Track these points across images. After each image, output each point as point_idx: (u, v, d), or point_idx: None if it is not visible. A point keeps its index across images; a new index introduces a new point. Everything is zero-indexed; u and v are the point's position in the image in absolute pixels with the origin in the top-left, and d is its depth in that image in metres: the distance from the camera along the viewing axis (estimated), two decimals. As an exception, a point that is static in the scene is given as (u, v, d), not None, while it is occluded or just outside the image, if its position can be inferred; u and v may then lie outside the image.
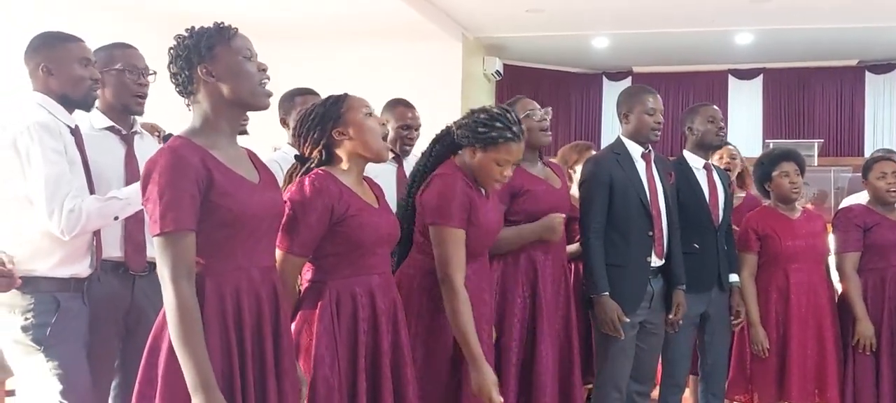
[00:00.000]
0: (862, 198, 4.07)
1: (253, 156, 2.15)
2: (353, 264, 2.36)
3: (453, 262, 2.59)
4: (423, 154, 2.85)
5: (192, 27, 2.02)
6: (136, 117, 2.91)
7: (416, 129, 3.74)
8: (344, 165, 2.41)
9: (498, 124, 2.67)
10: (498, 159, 2.67)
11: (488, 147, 2.67)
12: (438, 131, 2.83)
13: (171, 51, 2.01)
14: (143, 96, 2.84)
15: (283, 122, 3.51)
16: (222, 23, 2.04)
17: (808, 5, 9.25)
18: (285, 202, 2.25)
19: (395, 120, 3.67)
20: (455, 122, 2.77)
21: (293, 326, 2.29)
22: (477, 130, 2.68)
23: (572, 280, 3.50)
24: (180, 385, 1.85)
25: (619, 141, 3.51)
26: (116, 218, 2.60)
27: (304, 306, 2.35)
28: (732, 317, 3.75)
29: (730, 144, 4.52)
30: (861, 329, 3.67)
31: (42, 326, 2.51)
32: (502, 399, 2.58)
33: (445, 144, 2.78)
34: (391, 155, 3.63)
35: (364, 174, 2.52)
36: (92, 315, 2.65)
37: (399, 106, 3.73)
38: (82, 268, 2.62)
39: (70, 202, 2.47)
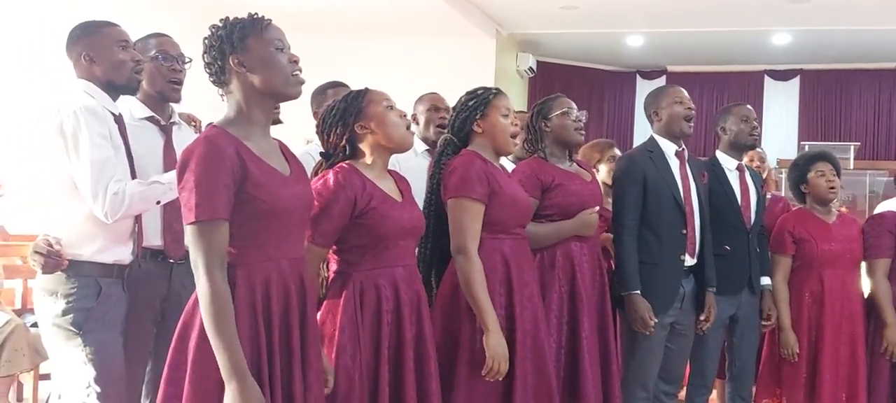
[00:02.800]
0: (893, 204, 4.02)
1: (284, 148, 2.19)
2: (376, 256, 2.39)
3: (469, 232, 2.67)
4: (435, 161, 2.92)
5: (227, 18, 2.05)
6: (174, 107, 2.95)
7: (447, 110, 3.73)
8: (367, 159, 2.46)
9: (478, 92, 2.88)
10: (500, 112, 2.84)
11: (487, 108, 2.83)
12: (439, 144, 2.96)
13: (205, 41, 2.04)
14: (179, 82, 2.88)
15: (317, 116, 3.53)
16: (256, 14, 2.06)
17: (848, 6, 9.11)
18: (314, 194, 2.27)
19: (424, 105, 3.74)
20: (448, 128, 2.95)
21: (318, 316, 2.32)
22: (469, 104, 2.86)
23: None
24: (209, 370, 1.89)
25: (652, 139, 3.50)
26: (158, 203, 2.64)
27: (329, 296, 2.40)
28: (763, 320, 3.71)
29: (758, 147, 4.46)
30: (890, 335, 3.64)
31: (83, 310, 2.55)
32: (506, 369, 2.64)
33: (452, 148, 2.87)
34: (424, 147, 3.65)
35: (395, 169, 2.56)
36: (130, 301, 2.69)
37: (425, 95, 3.82)
38: (125, 255, 2.67)
39: (114, 185, 2.52)
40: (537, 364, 2.76)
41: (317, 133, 2.57)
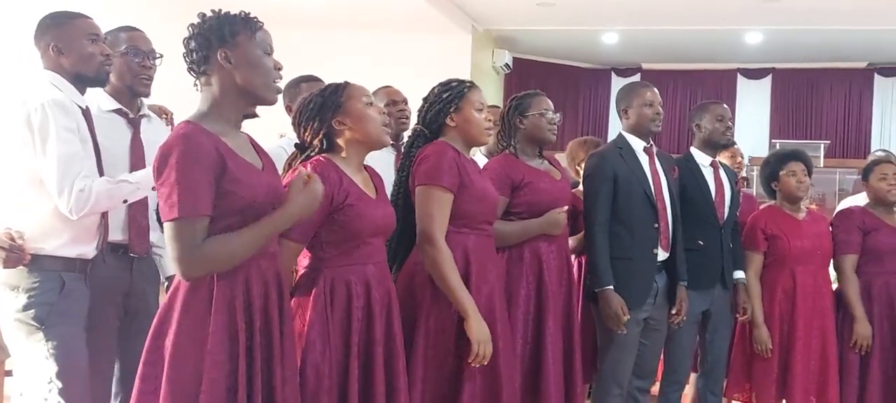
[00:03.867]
0: (859, 199, 4.06)
1: (253, 142, 2.17)
2: (348, 253, 2.37)
3: (436, 221, 2.63)
4: (404, 153, 2.88)
5: (219, 9, 2.05)
6: (144, 100, 2.90)
7: (405, 103, 3.74)
8: (344, 153, 2.43)
9: (452, 84, 2.84)
10: (474, 107, 2.80)
11: (461, 101, 2.79)
12: (409, 136, 2.92)
13: (193, 27, 2.03)
14: (149, 78, 2.84)
15: (289, 109, 3.50)
16: (248, 13, 2.06)
17: (819, 6, 9.22)
18: (285, 188, 2.25)
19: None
20: (419, 119, 2.88)
21: None
22: (443, 97, 2.81)
23: (577, 274, 3.50)
24: (187, 367, 1.89)
25: (621, 136, 3.52)
26: (125, 202, 2.60)
27: (299, 292, 2.37)
28: (737, 314, 3.75)
29: (735, 144, 4.49)
30: (859, 329, 3.69)
31: (45, 305, 2.50)
32: (491, 351, 2.62)
33: (423, 139, 2.83)
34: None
35: (368, 164, 2.53)
36: (93, 297, 2.65)
37: (381, 89, 3.76)
38: (89, 250, 2.62)
39: (80, 182, 2.47)
40: (488, 366, 2.68)
41: (292, 125, 2.54)
